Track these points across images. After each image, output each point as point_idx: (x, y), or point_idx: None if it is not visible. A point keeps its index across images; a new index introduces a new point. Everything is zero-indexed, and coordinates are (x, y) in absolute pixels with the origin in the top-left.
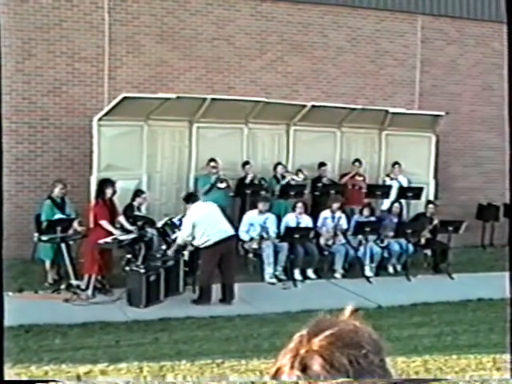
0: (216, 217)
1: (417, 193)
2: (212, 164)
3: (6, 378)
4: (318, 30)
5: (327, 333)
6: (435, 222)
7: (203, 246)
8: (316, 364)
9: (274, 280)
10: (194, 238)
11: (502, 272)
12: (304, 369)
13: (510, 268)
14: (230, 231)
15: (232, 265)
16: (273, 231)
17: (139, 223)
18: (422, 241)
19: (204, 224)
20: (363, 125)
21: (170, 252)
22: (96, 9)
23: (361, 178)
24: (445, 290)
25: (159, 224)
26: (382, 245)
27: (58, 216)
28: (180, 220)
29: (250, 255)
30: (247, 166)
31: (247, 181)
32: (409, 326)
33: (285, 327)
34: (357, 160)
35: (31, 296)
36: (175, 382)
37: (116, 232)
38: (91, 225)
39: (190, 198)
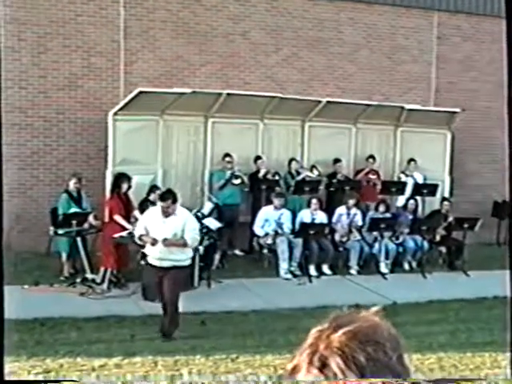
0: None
1: (432, 190)
2: (227, 159)
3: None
4: (334, 26)
5: (346, 329)
6: (450, 219)
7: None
8: (334, 361)
9: (289, 276)
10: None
11: None
12: (323, 365)
13: (511, 267)
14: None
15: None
16: (287, 227)
17: None
18: (437, 238)
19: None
20: (378, 121)
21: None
22: (111, 3)
23: (374, 177)
24: (460, 287)
25: None
26: (397, 241)
27: (74, 210)
28: (195, 214)
29: (265, 251)
30: (259, 161)
31: (260, 175)
32: (424, 323)
33: (300, 323)
34: (371, 156)
35: (47, 289)
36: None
37: (129, 226)
38: (106, 219)
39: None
